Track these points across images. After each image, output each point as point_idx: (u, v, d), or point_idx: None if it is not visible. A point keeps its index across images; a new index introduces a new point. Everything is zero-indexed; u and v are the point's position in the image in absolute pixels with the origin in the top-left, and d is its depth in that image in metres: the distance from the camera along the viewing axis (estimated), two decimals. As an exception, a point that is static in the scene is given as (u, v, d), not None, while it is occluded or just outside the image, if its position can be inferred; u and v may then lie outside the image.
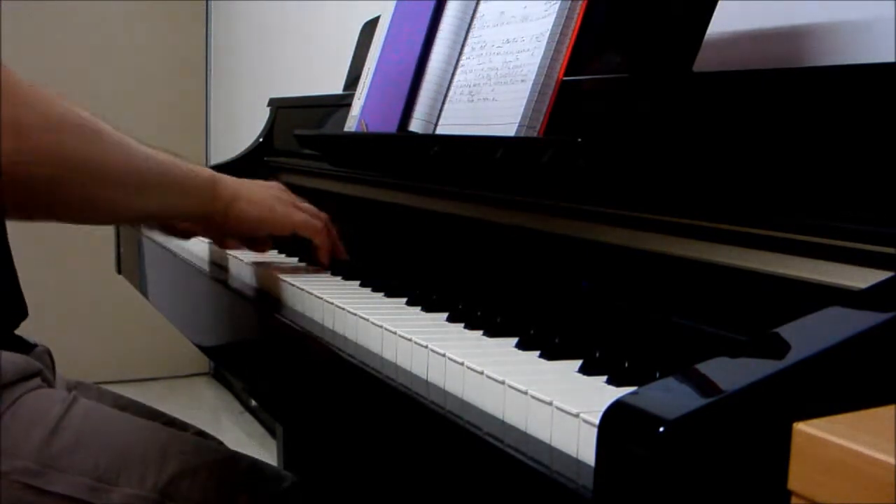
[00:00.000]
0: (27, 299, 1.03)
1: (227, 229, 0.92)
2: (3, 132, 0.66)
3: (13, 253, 1.02)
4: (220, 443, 1.08)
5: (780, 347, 0.42)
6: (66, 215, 0.80)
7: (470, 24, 0.96)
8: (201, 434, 1.08)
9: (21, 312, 1.01)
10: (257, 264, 0.94)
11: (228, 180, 0.90)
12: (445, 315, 0.71)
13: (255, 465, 1.02)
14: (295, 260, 1.00)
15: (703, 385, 0.41)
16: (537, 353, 0.60)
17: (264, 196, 0.92)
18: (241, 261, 0.97)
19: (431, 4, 1.00)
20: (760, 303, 0.60)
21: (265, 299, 0.87)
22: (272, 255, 1.04)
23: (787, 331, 0.44)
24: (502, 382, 0.53)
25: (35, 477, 0.85)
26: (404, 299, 0.77)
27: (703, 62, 0.76)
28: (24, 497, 0.84)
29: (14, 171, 0.68)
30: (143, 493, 0.87)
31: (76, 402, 0.93)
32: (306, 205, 0.96)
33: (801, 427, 0.36)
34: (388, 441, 0.63)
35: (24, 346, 0.99)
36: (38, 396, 0.92)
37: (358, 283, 0.85)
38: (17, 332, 1.00)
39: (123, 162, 0.78)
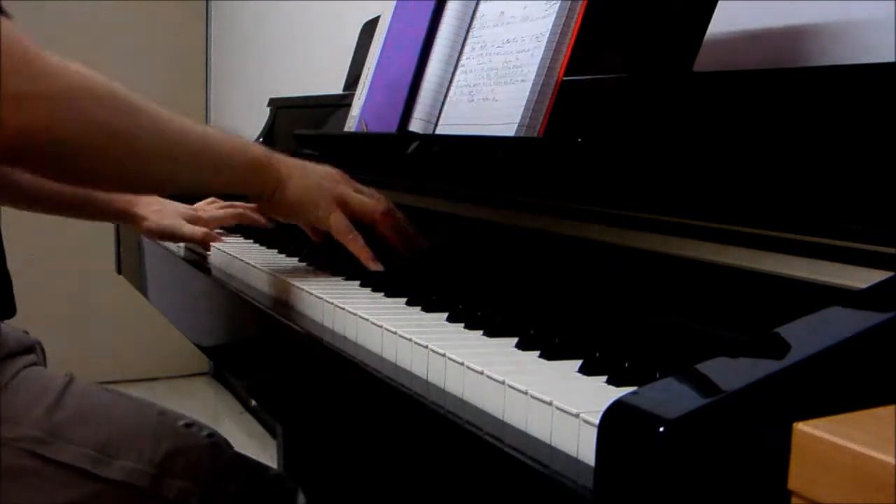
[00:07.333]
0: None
1: (274, 212, 0.89)
2: (32, 101, 0.67)
3: (11, 253, 1.03)
4: (212, 432, 1.11)
5: (780, 347, 0.42)
6: (100, 183, 0.81)
7: (470, 25, 0.96)
8: (193, 424, 1.11)
9: (8, 309, 1.02)
10: (258, 265, 0.94)
11: (285, 162, 0.86)
12: (445, 315, 0.71)
13: (240, 455, 1.07)
14: (295, 260, 1.00)
15: (703, 385, 0.41)
16: (537, 353, 0.60)
17: (310, 185, 0.86)
18: (242, 261, 0.97)
19: (431, 4, 1.00)
20: (760, 303, 0.60)
21: (265, 299, 0.87)
22: (274, 255, 1.04)
23: (787, 331, 0.44)
24: (502, 382, 0.53)
25: (41, 445, 0.88)
26: (404, 299, 0.77)
27: (703, 62, 0.76)
28: (29, 464, 0.87)
29: (45, 136, 0.68)
30: (140, 468, 0.91)
31: (73, 381, 0.96)
32: (360, 203, 0.88)
33: (801, 427, 0.36)
34: (388, 441, 0.63)
35: None
36: (37, 372, 0.96)
37: (358, 282, 0.85)
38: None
39: (152, 134, 0.77)
